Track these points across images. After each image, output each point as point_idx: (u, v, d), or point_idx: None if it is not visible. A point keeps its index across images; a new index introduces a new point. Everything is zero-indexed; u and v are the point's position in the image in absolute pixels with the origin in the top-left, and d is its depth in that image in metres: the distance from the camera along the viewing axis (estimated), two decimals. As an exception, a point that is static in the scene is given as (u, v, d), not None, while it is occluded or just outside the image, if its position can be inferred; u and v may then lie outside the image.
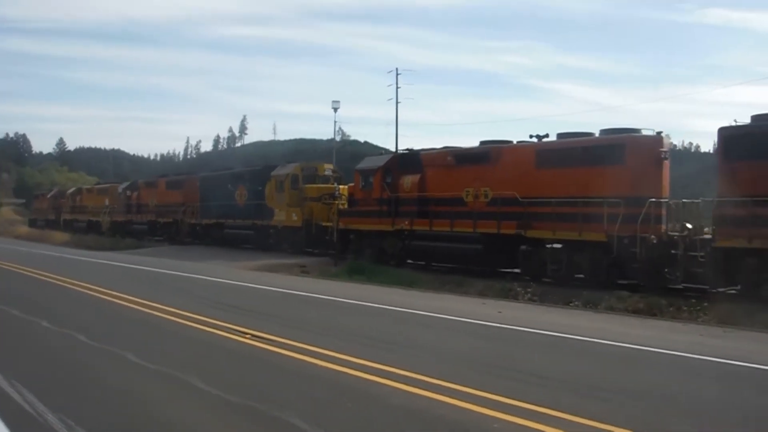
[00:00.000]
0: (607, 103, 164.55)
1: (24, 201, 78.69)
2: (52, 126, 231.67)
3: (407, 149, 24.73)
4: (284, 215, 27.88)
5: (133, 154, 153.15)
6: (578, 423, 5.76)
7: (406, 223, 21.77)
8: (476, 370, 8.03)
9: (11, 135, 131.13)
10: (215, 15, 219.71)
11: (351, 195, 24.81)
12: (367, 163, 24.16)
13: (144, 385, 7.27)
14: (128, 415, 6.19)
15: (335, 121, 67.46)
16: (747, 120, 14.75)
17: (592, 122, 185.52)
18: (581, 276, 17.21)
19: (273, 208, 28.62)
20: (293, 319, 12.29)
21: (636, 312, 13.62)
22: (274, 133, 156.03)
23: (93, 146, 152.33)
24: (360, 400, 6.60)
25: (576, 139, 18.00)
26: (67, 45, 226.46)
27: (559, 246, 17.80)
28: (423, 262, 22.09)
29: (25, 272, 20.80)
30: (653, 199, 15.91)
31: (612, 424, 5.67)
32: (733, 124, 14.92)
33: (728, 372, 8.35)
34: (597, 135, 17.64)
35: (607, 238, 16.19)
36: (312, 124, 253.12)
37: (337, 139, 68.54)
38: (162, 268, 22.69)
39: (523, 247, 18.47)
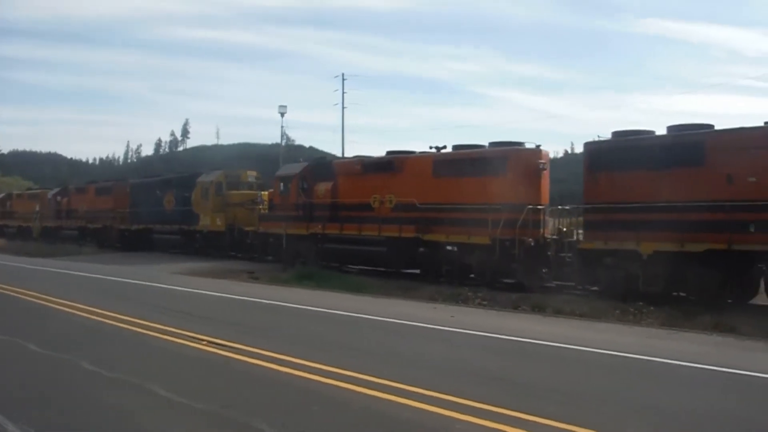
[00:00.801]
0: (553, 111, 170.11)
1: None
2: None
3: (320, 158, 26.09)
4: (209, 220, 28.90)
5: (72, 158, 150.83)
6: (538, 423, 5.90)
7: (320, 227, 23.15)
8: (434, 373, 8.12)
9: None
10: (159, 16, 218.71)
11: (271, 200, 26.00)
12: (285, 170, 25.47)
13: (105, 393, 7.17)
14: (94, 425, 6.11)
15: (282, 126, 68.07)
16: (609, 136, 16.64)
17: (538, 129, 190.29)
18: (473, 276, 18.88)
19: (199, 214, 29.60)
20: (248, 326, 12.17)
21: (582, 316, 13.75)
22: (218, 137, 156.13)
23: (29, 149, 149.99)
24: (324, 405, 6.66)
25: (467, 151, 19.73)
26: (1, 44, 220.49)
27: (453, 248, 19.43)
28: (336, 264, 23.44)
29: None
30: (530, 206, 17.68)
31: (572, 424, 5.84)
32: (597, 139, 16.81)
33: (677, 372, 8.52)
34: (493, 147, 19.36)
35: (490, 241, 17.88)
36: (256, 129, 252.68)
37: (282, 143, 67.95)
38: (107, 275, 22.19)
39: (421, 249, 20.05)
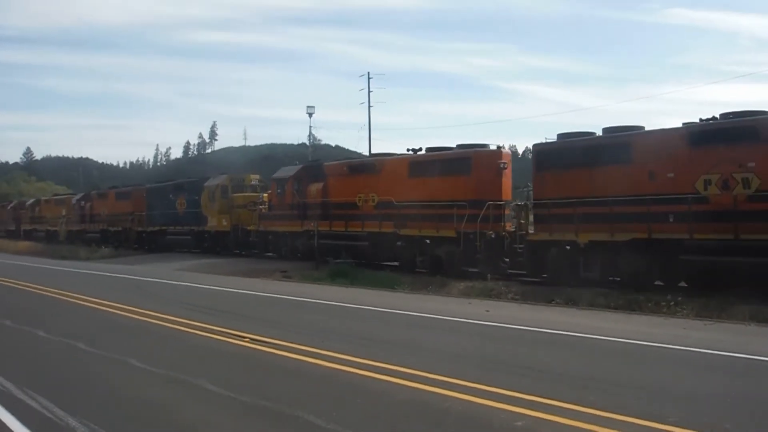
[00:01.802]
0: (577, 104, 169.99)
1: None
2: (18, 135, 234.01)
3: (312, 161, 28.39)
4: (216, 221, 31.37)
5: (102, 162, 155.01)
6: (579, 411, 6.04)
7: (312, 224, 25.40)
8: (474, 365, 8.28)
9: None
10: (183, 21, 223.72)
11: (270, 201, 28.35)
12: (281, 173, 27.81)
13: (156, 390, 7.46)
14: (148, 419, 6.33)
15: (310, 126, 69.58)
16: (554, 138, 18.66)
17: (564, 123, 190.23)
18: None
19: (207, 216, 32.08)
20: (287, 323, 12.52)
21: (617, 308, 13.96)
22: (245, 138, 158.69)
23: (61, 155, 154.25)
24: (368, 397, 6.82)
25: (436, 153, 21.86)
26: (31, 52, 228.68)
27: (426, 241, 21.54)
28: (329, 258, 25.63)
29: (21, 287, 20.24)
30: (491, 202, 19.73)
31: (611, 412, 5.99)
32: (544, 141, 18.83)
33: (712, 361, 8.71)
34: (458, 149, 21.45)
35: (456, 234, 19.97)
36: (282, 129, 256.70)
37: (309, 143, 68.76)
38: (146, 276, 23.07)
39: (398, 243, 22.21)
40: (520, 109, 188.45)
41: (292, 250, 26.70)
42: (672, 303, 13.72)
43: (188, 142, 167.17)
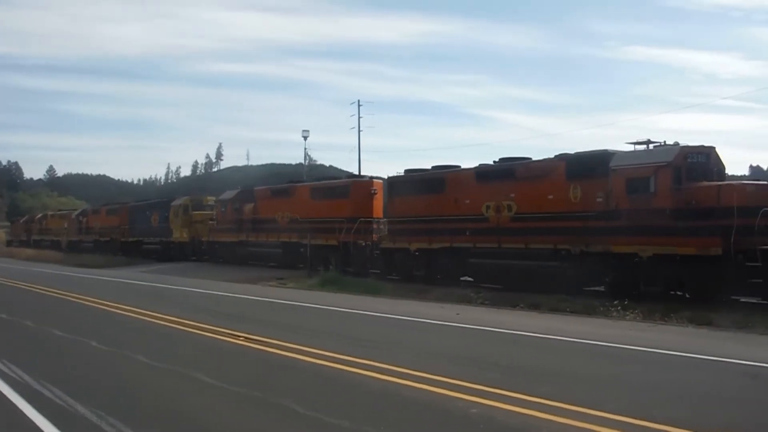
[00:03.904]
0: (546, 130, 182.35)
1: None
2: (42, 154, 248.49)
3: (247, 187, 34.96)
4: (179, 234, 37.93)
5: (119, 179, 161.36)
6: (529, 400, 6.55)
7: (245, 236, 31.81)
8: (443, 361, 8.95)
9: (4, 163, 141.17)
10: (193, 52, 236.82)
11: (217, 217, 34.83)
12: (224, 196, 34.48)
13: (159, 381, 8.11)
14: (153, 407, 6.78)
15: (305, 148, 74.00)
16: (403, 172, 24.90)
17: (535, 146, 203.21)
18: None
19: (173, 229, 38.64)
20: (280, 324, 13.40)
21: (574, 312, 15.05)
22: (248, 158, 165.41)
23: (81, 172, 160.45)
24: (345, 388, 7.44)
25: (327, 182, 28.34)
26: (56, 80, 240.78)
27: (320, 249, 27.78)
28: (258, 262, 31.90)
29: (37, 290, 21.68)
30: (363, 219, 25.95)
31: (558, 401, 6.45)
32: (395, 174, 25.11)
33: (653, 358, 9.36)
34: (342, 179, 27.80)
35: (337, 243, 26.22)
36: (282, 150, 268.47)
37: (305, 164, 73.43)
38: (160, 283, 24.75)
39: (302, 249, 28.50)
40: (495, 134, 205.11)
41: (233, 256, 33.12)
42: (620, 308, 14.78)
43: (196, 162, 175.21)
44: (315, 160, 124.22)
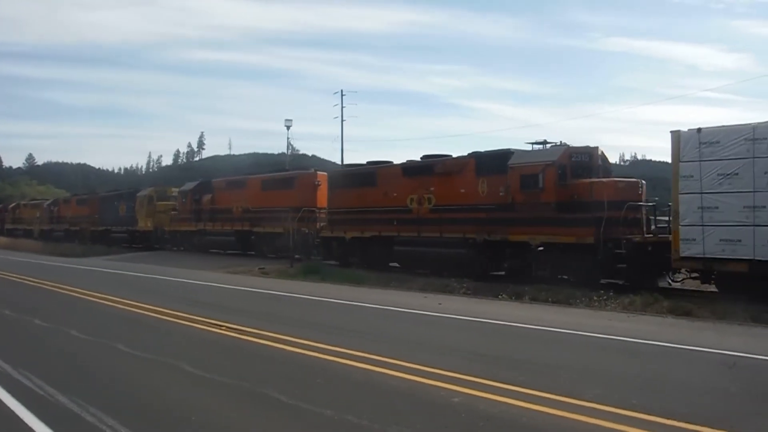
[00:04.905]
0: (527, 120, 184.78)
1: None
2: (22, 142, 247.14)
3: (205, 179, 37.00)
4: (143, 223, 39.97)
5: (99, 168, 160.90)
6: (510, 389, 6.78)
7: (203, 225, 33.96)
8: (426, 351, 9.03)
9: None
10: (176, 40, 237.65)
11: (178, 207, 36.93)
12: (184, 187, 36.56)
13: (141, 370, 8.13)
14: (135, 396, 6.90)
15: (288, 138, 72.68)
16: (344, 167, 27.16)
17: (516, 137, 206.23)
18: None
19: (138, 219, 40.65)
20: (261, 313, 13.54)
21: (556, 302, 15.34)
22: (230, 148, 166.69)
23: (61, 161, 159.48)
24: (327, 377, 7.51)
25: (276, 174, 30.56)
26: (36, 67, 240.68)
27: (271, 237, 30.00)
28: (216, 250, 34.09)
29: (12, 278, 22.46)
30: (306, 208, 28.20)
31: (539, 390, 6.70)
32: (336, 170, 27.37)
33: (631, 347, 9.52)
34: (289, 172, 30.06)
35: (283, 231, 28.45)
36: (264, 140, 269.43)
37: (288, 153, 74.44)
38: (138, 272, 25.40)
39: (252, 237, 30.71)
40: (477, 124, 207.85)
41: (192, 244, 35.26)
42: (603, 298, 15.19)
43: (178, 151, 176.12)
44: (298, 150, 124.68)
